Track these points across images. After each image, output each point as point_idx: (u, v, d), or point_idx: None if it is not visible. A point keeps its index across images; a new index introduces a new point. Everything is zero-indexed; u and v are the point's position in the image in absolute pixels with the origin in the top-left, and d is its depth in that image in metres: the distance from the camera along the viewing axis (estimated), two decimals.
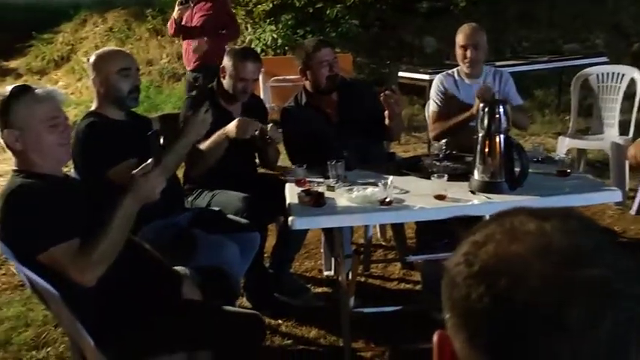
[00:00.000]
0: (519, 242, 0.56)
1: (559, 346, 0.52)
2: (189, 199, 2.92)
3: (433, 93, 3.36)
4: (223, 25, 5.28)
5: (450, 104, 3.26)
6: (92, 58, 2.50)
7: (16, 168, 1.87)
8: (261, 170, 3.26)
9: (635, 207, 3.91)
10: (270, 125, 2.78)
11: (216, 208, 2.77)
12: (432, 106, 3.36)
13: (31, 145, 1.82)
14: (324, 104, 3.06)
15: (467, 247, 0.59)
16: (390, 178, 2.37)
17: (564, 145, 4.18)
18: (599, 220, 3.84)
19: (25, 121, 1.81)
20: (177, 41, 8.89)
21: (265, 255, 3.07)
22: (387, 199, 2.29)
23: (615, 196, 2.48)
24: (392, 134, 3.18)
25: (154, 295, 1.95)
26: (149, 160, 1.89)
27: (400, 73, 6.06)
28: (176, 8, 5.11)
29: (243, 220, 2.68)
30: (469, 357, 0.56)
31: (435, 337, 0.62)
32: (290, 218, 2.25)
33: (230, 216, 2.71)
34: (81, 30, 9.32)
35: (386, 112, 2.87)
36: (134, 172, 1.88)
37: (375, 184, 2.39)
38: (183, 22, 5.15)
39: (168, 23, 5.38)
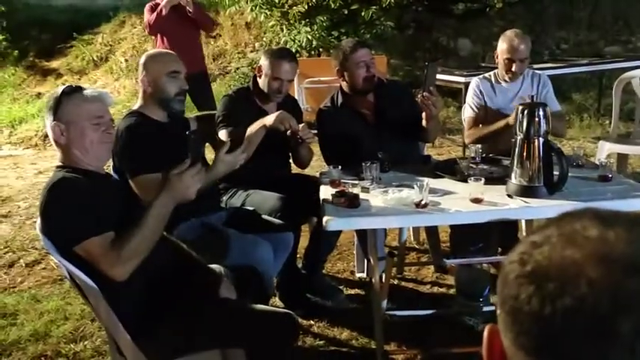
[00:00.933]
0: (577, 247, 0.55)
1: (608, 355, 0.51)
2: (224, 198, 2.95)
3: (469, 97, 3.31)
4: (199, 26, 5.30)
5: (488, 111, 3.22)
6: (143, 58, 2.55)
7: (59, 163, 1.92)
8: (295, 171, 3.27)
9: None
10: (302, 125, 2.79)
11: (251, 208, 2.79)
12: (467, 112, 3.30)
13: (75, 140, 1.88)
14: (360, 105, 3.05)
15: (524, 247, 0.58)
16: (426, 180, 2.35)
17: (604, 150, 4.08)
18: None
19: (72, 117, 1.88)
20: (212, 42, 9.03)
21: (298, 256, 3.08)
22: (423, 202, 2.27)
23: None
24: (428, 136, 3.15)
25: (191, 292, 1.97)
26: (186, 160, 1.91)
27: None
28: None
29: (277, 221, 2.70)
30: (516, 355, 0.56)
31: (486, 331, 0.62)
32: (324, 219, 2.25)
33: (264, 216, 2.73)
34: (119, 31, 9.50)
35: (423, 114, 2.85)
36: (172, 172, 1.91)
37: (410, 187, 2.37)
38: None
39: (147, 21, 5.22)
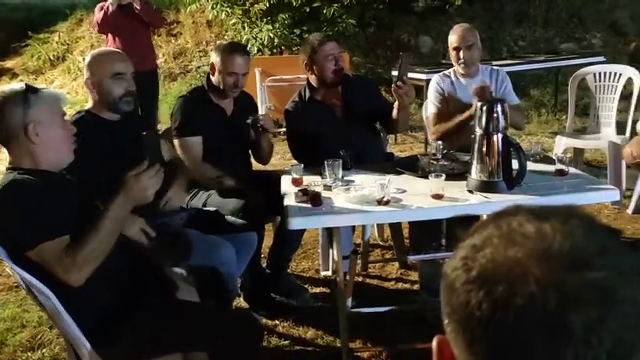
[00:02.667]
0: (518, 246, 0.54)
1: (562, 352, 0.51)
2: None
3: (431, 95, 3.36)
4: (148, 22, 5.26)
5: (450, 104, 3.26)
6: (87, 59, 2.48)
7: (9, 165, 1.85)
8: (256, 167, 3.25)
9: (632, 206, 3.91)
10: (263, 114, 2.80)
11: (213, 209, 2.75)
12: (430, 108, 3.35)
13: (44, 139, 1.81)
14: (329, 98, 3.09)
15: (465, 251, 0.57)
16: (388, 177, 2.36)
17: (561, 145, 4.18)
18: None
19: (44, 115, 1.81)
20: (173, 40, 8.90)
21: (262, 255, 3.06)
22: (385, 199, 2.28)
23: (613, 195, 2.47)
24: (398, 127, 3.20)
25: (149, 295, 1.93)
26: (144, 162, 1.87)
27: (395, 72, 6.05)
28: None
29: (240, 221, 2.67)
30: None
31: (434, 342, 0.61)
32: (287, 218, 2.24)
33: (227, 216, 2.70)
34: (77, 30, 9.29)
35: (395, 104, 2.92)
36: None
37: (372, 184, 2.38)
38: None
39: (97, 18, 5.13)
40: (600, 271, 0.52)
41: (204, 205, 2.83)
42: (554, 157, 2.80)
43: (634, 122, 3.83)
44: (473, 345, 0.54)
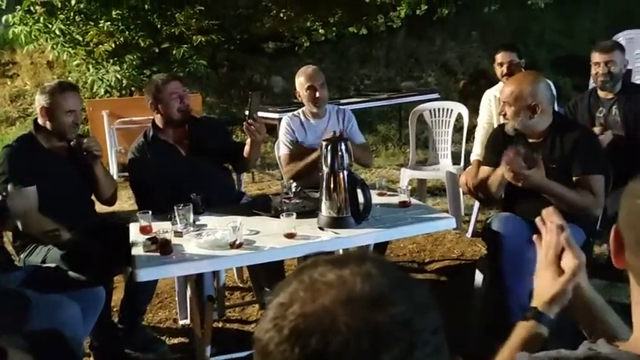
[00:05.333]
0: (323, 295, 0.56)
1: None
2: (22, 256, 2.67)
3: (282, 136, 3.43)
4: None
5: (299, 148, 3.35)
6: None
7: None
8: (103, 210, 3.08)
9: (470, 230, 4.25)
10: (87, 138, 2.79)
11: (53, 265, 2.55)
12: (282, 149, 3.42)
13: None
14: (175, 137, 3.06)
15: (274, 311, 0.58)
16: (240, 219, 2.34)
17: (406, 177, 4.45)
18: (441, 245, 4.13)
19: None
20: (9, 82, 8.26)
21: (115, 309, 2.88)
22: (237, 242, 2.26)
23: (450, 223, 2.67)
24: (249, 164, 3.22)
25: None
26: None
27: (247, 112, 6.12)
28: None
29: (83, 277, 2.49)
30: None
31: None
32: (135, 270, 2.13)
33: (70, 272, 2.51)
34: None
35: (248, 141, 2.96)
36: None
37: (224, 227, 2.35)
38: None
39: None
40: (399, 305, 0.55)
41: (44, 261, 2.61)
42: (398, 190, 2.97)
43: (467, 153, 4.20)
44: None
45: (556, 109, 3.09)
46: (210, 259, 2.23)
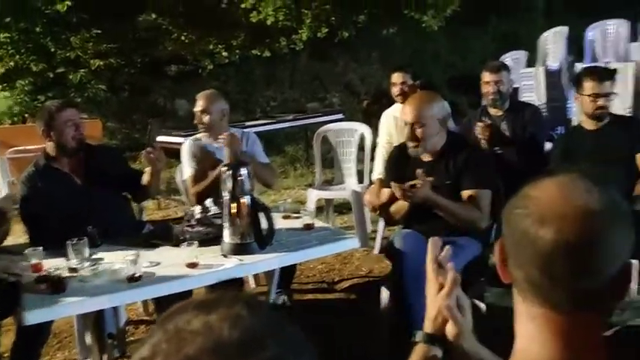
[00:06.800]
0: (188, 345, 0.53)
1: None
2: None
3: (185, 159, 3.38)
4: None
5: (205, 163, 3.31)
6: None
7: None
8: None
9: (377, 247, 4.33)
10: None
11: None
12: (186, 172, 3.38)
13: None
14: (70, 166, 2.95)
15: None
16: (137, 251, 2.26)
17: (313, 197, 4.49)
18: (349, 263, 4.18)
19: None
20: None
21: (6, 355, 2.67)
22: (136, 275, 2.17)
23: (354, 243, 2.71)
24: (150, 192, 3.14)
25: None
26: None
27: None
28: None
29: None
30: None
31: None
32: (22, 312, 1.99)
33: None
34: None
35: (147, 169, 2.91)
36: None
37: (122, 260, 2.25)
38: None
39: None
40: (272, 348, 0.54)
41: None
42: (301, 212, 2.98)
43: (371, 171, 4.30)
44: None
45: (453, 126, 3.24)
46: (108, 294, 2.13)
